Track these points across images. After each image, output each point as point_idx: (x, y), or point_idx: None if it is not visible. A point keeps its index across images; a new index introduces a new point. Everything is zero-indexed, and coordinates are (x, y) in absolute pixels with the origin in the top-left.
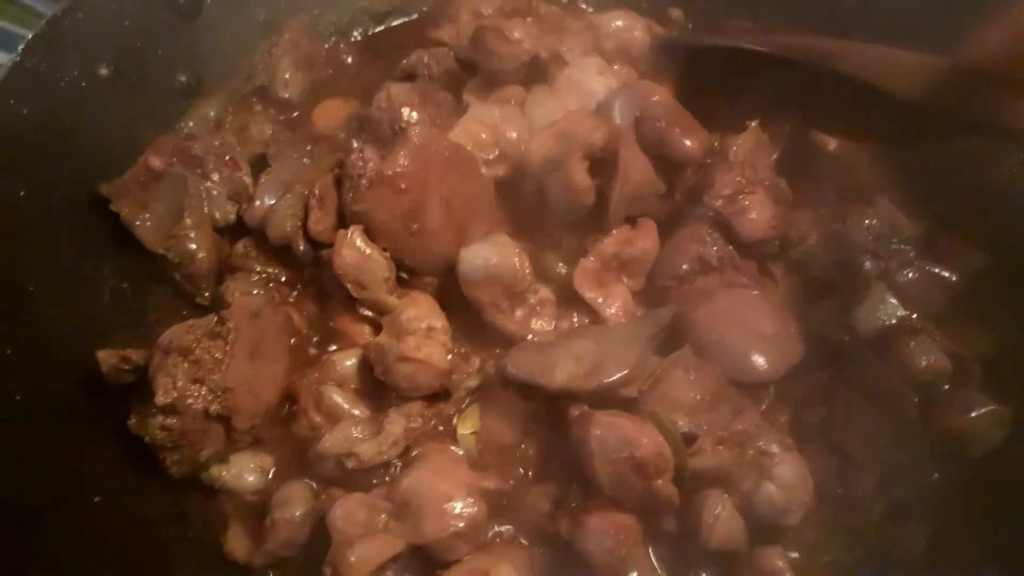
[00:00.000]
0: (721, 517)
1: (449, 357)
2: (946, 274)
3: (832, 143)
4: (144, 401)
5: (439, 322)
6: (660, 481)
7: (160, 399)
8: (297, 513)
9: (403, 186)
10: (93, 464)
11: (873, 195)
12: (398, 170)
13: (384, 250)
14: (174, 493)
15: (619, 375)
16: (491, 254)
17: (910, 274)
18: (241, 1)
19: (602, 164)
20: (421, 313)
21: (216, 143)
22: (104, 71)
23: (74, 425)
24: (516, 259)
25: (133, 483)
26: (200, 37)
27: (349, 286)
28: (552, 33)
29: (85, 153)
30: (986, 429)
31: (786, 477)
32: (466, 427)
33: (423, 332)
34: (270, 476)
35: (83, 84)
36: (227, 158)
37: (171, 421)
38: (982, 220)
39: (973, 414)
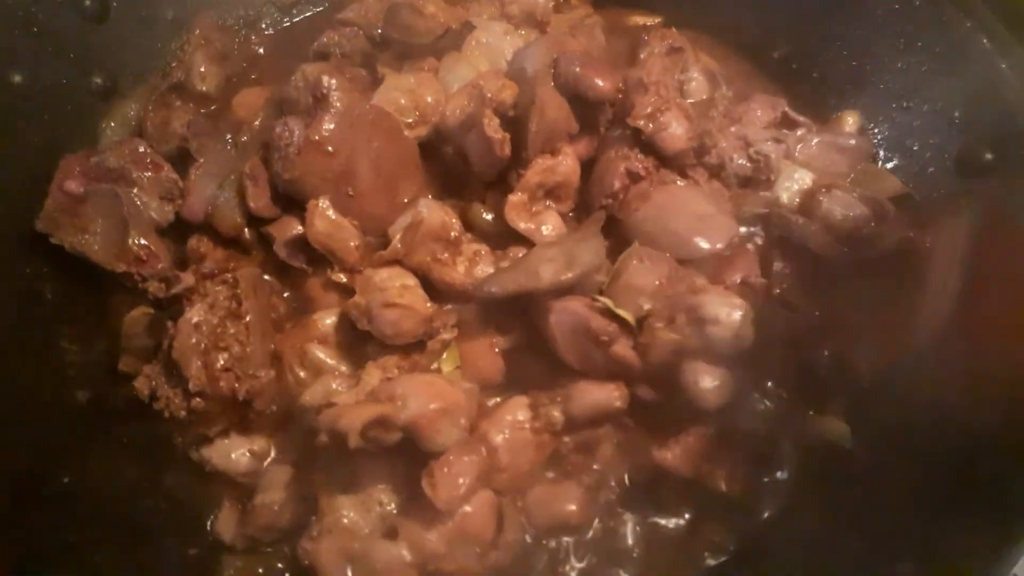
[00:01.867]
0: (700, 379)
1: (428, 305)
2: (840, 139)
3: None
4: (158, 371)
5: (411, 280)
6: (617, 346)
7: (195, 384)
8: (277, 498)
9: (331, 149)
10: (58, 444)
11: (750, 92)
12: (324, 134)
13: None
14: (147, 469)
15: (593, 260)
16: (416, 213)
17: (808, 147)
18: (148, 1)
19: (515, 122)
20: (394, 273)
21: (127, 150)
22: (18, 78)
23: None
24: (440, 210)
25: (102, 461)
26: (111, 39)
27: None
28: (460, 4)
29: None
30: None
31: (717, 311)
32: (449, 365)
33: (399, 288)
34: (268, 461)
35: None
36: (147, 161)
37: (199, 402)
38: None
39: (886, 242)
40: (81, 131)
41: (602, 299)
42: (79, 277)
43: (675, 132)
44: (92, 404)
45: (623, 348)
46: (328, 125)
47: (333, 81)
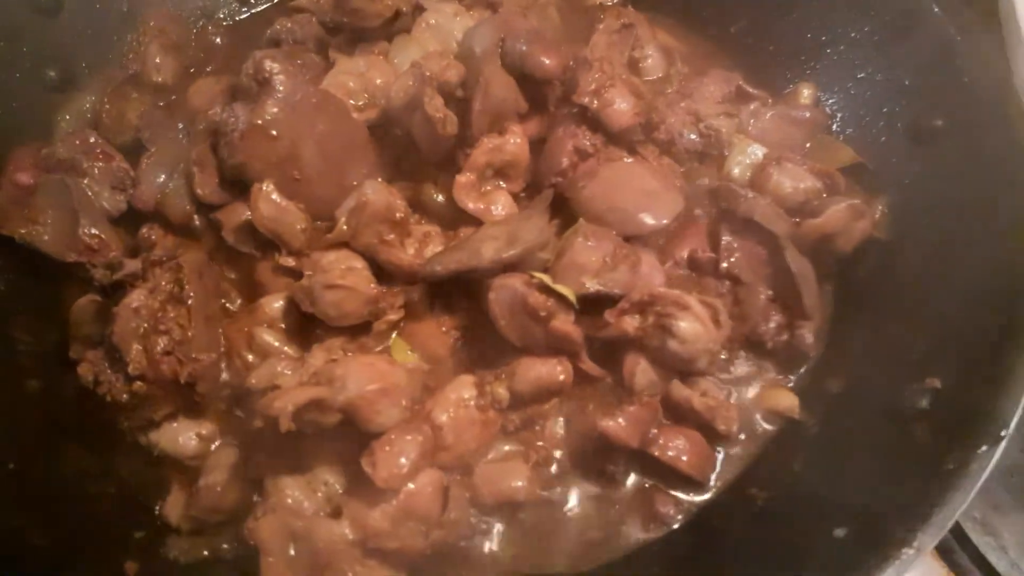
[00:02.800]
0: (637, 372)
1: (372, 286)
2: (794, 112)
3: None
4: (100, 357)
5: (359, 262)
6: (556, 322)
7: (134, 368)
8: (220, 480)
9: (274, 133)
10: (5, 432)
11: (706, 68)
12: (267, 118)
13: None
14: (96, 454)
15: (536, 238)
16: (361, 195)
17: (762, 120)
18: None
19: (464, 102)
20: (341, 256)
21: (77, 141)
22: None
23: None
24: (385, 191)
25: (50, 448)
26: (65, 32)
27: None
28: None
29: None
30: (846, 223)
31: (686, 333)
32: (401, 350)
33: (346, 269)
34: (216, 444)
35: None
36: (97, 151)
37: (140, 386)
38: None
39: (829, 211)
40: (36, 124)
41: (539, 275)
42: (31, 268)
43: (620, 108)
44: (43, 393)
45: (562, 323)
46: (271, 109)
47: (275, 65)
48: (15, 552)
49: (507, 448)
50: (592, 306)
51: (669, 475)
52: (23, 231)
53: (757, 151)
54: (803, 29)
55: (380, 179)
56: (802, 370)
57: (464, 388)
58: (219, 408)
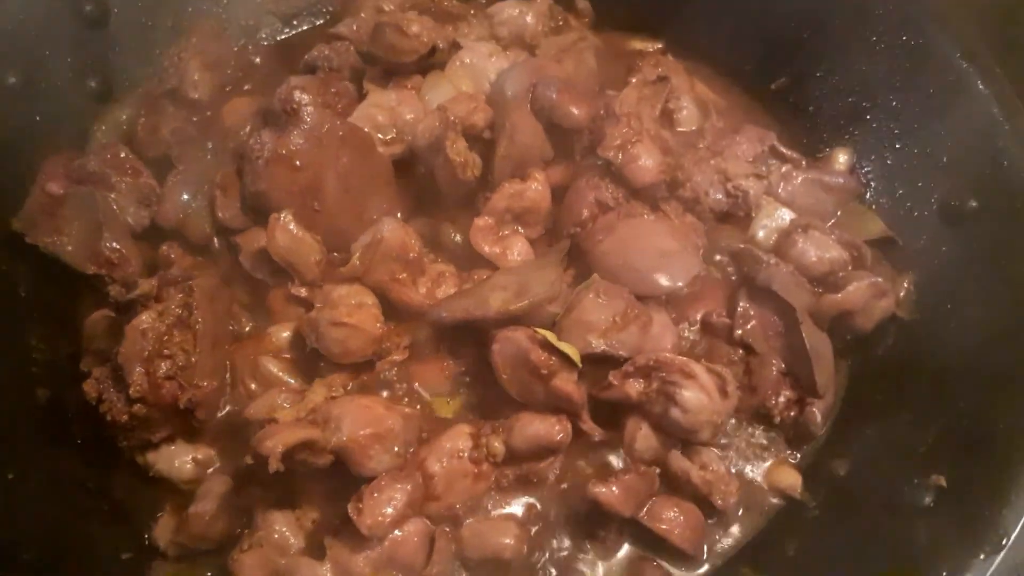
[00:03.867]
0: (638, 437)
1: (379, 325)
2: (827, 177)
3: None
4: (106, 375)
5: (370, 299)
6: (557, 380)
7: (135, 391)
8: (210, 508)
9: (298, 163)
10: (9, 440)
11: (741, 124)
12: (292, 148)
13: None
14: (95, 470)
15: (545, 291)
16: (377, 232)
17: (793, 184)
18: (148, 9)
19: (490, 145)
20: (353, 291)
21: (108, 155)
22: (12, 79)
23: None
24: (400, 230)
25: (51, 460)
26: (108, 44)
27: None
28: (450, 24)
29: None
30: (868, 301)
31: (690, 402)
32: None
33: (355, 305)
34: (212, 470)
35: None
36: (127, 166)
37: (139, 408)
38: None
39: (851, 288)
40: (72, 132)
41: (542, 332)
42: (53, 277)
43: (644, 164)
44: (51, 403)
45: (563, 382)
46: (296, 139)
47: (305, 96)
48: (2, 565)
49: (499, 503)
50: (598, 365)
51: (661, 546)
52: (48, 240)
53: (784, 215)
54: (845, 92)
55: (399, 215)
56: (810, 448)
57: (460, 438)
58: (216, 434)
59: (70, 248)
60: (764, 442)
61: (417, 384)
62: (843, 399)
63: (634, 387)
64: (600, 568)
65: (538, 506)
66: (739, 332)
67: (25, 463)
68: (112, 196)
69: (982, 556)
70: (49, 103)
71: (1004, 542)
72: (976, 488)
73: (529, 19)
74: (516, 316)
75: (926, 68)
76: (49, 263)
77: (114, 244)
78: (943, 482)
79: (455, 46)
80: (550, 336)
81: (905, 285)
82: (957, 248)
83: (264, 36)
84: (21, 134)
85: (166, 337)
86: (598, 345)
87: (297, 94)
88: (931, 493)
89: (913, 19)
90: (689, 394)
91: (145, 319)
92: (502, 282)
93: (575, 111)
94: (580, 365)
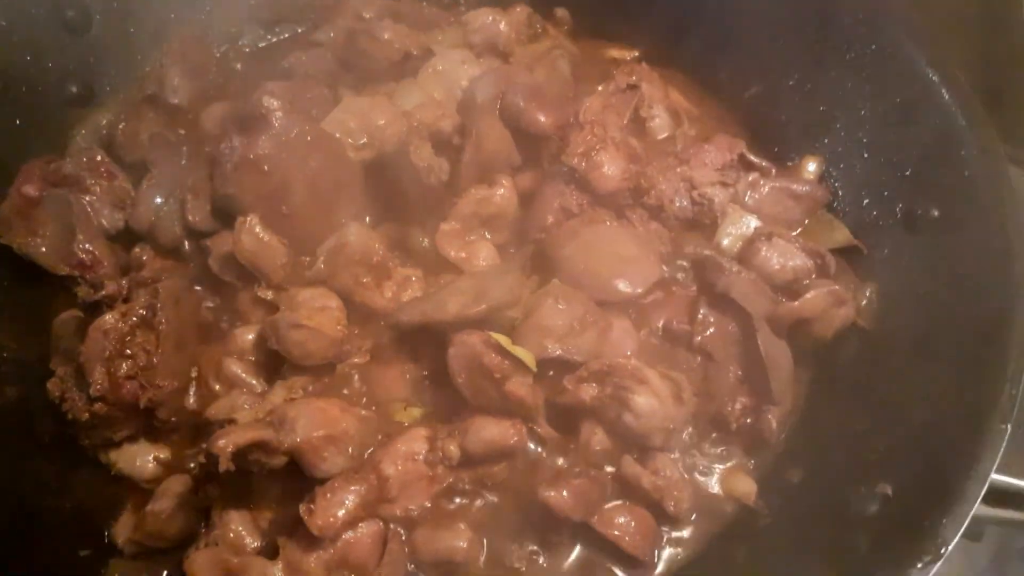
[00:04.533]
0: (592, 441)
1: (340, 328)
2: (795, 186)
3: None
4: (70, 374)
5: (334, 302)
6: (510, 384)
7: (96, 390)
8: (167, 507)
9: (266, 168)
10: None
11: (712, 132)
12: (260, 152)
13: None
14: (58, 468)
15: (503, 296)
16: (342, 236)
17: (760, 192)
18: (130, 15)
19: (459, 149)
20: (317, 294)
21: (84, 158)
22: None
23: None
24: (365, 234)
25: (15, 457)
26: (90, 50)
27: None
28: (424, 31)
29: None
30: (825, 309)
31: (642, 408)
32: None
33: (317, 308)
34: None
35: None
36: (102, 169)
37: (100, 407)
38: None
39: (808, 295)
40: (52, 136)
41: (496, 336)
42: (25, 277)
43: (607, 172)
44: (19, 401)
45: (516, 386)
46: (265, 144)
47: (275, 101)
48: None
49: (453, 506)
50: (557, 370)
51: (613, 552)
52: (22, 241)
53: (750, 223)
54: (816, 101)
55: (368, 219)
56: (766, 455)
57: (416, 441)
58: (178, 434)
59: (44, 249)
60: (720, 449)
61: (376, 388)
62: (802, 407)
63: (588, 392)
64: (551, 572)
65: (492, 510)
66: (698, 339)
67: None
68: (87, 199)
69: (920, 565)
70: (29, 107)
71: (943, 551)
72: (919, 497)
73: (503, 27)
74: (474, 320)
75: (893, 77)
76: (23, 264)
77: (87, 246)
78: (889, 491)
79: (428, 53)
80: (504, 340)
81: (867, 294)
82: (919, 257)
83: (246, 43)
84: (0, 137)
85: (128, 337)
86: (554, 349)
87: (266, 99)
88: (876, 501)
89: (881, 29)
90: (641, 399)
91: (108, 319)
92: (462, 287)
93: (542, 118)
94: (535, 369)
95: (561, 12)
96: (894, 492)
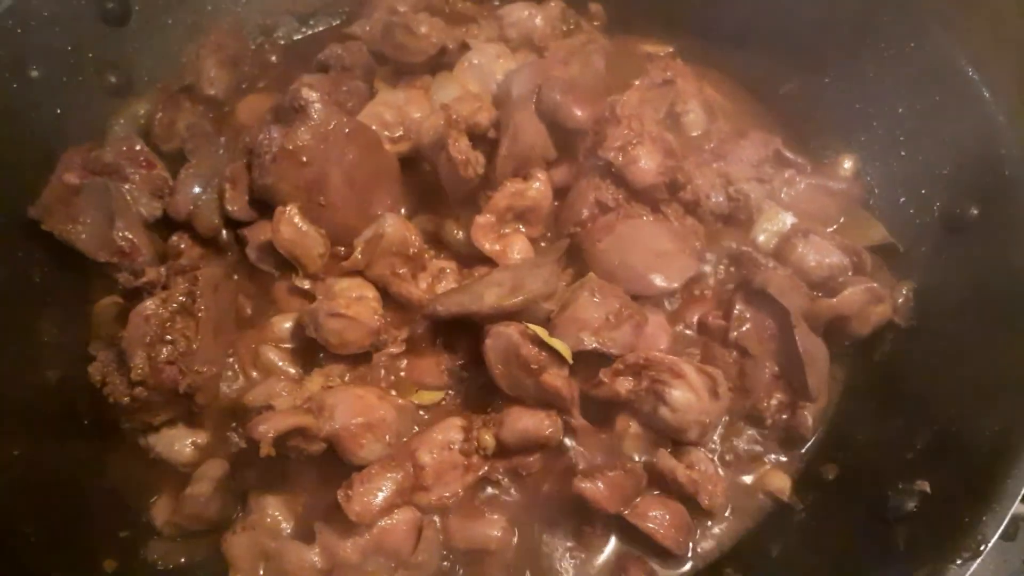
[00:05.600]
0: (627, 435)
1: (377, 318)
2: (831, 183)
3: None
4: (111, 358)
5: (370, 292)
6: (547, 376)
7: (136, 374)
8: (206, 490)
9: (304, 159)
10: (18, 418)
11: (748, 128)
12: (299, 143)
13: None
14: (97, 450)
15: (539, 288)
16: (379, 227)
17: (796, 188)
18: (168, 7)
19: (494, 142)
20: (354, 284)
21: (124, 147)
22: (35, 73)
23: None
24: (402, 226)
25: (56, 438)
26: (129, 41)
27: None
28: (460, 25)
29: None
30: (863, 306)
31: (678, 401)
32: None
33: (354, 298)
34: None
35: (14, 85)
36: (141, 159)
37: (140, 391)
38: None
39: (846, 292)
40: (91, 126)
41: (533, 327)
42: (67, 263)
43: (644, 166)
44: (59, 384)
45: (553, 377)
46: (303, 135)
47: (313, 93)
48: (3, 533)
49: (488, 495)
50: (592, 362)
51: (646, 544)
52: (62, 228)
53: (786, 219)
54: (852, 98)
55: (403, 211)
56: (801, 452)
57: (451, 431)
58: (216, 420)
59: (84, 236)
60: (755, 444)
61: (411, 377)
62: (837, 404)
63: (624, 385)
64: (585, 563)
65: (526, 500)
66: (734, 334)
67: (32, 441)
68: (126, 187)
69: (959, 562)
70: (70, 97)
71: (982, 548)
72: (959, 495)
73: (538, 21)
74: (510, 312)
75: (932, 75)
76: (63, 250)
77: (126, 233)
78: (927, 488)
79: (464, 47)
80: (541, 332)
81: (904, 292)
82: (957, 256)
83: (281, 35)
84: (42, 126)
85: (168, 323)
86: (590, 342)
87: (305, 91)
88: (915, 498)
89: (921, 26)
90: (678, 393)
91: (149, 305)
92: (498, 278)
93: (578, 113)
94: (571, 361)
95: (595, 7)
96: (933, 489)
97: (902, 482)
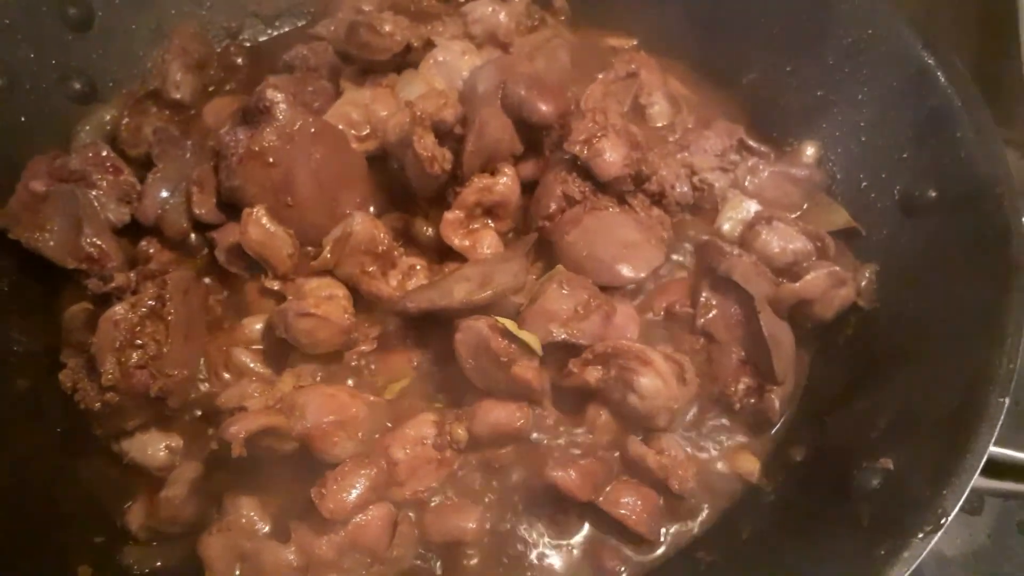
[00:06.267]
0: (598, 423)
1: (347, 316)
2: (793, 170)
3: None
4: (81, 365)
5: (340, 291)
6: (517, 368)
7: (107, 379)
8: (180, 493)
9: (271, 160)
10: None
11: (712, 119)
12: (265, 144)
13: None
14: (70, 457)
15: (508, 282)
16: (347, 226)
17: (760, 177)
18: (131, 12)
19: (461, 140)
20: (324, 283)
21: (90, 154)
22: None
23: None
24: (370, 224)
25: (27, 446)
26: (93, 47)
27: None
28: (425, 23)
29: None
30: (826, 290)
31: (646, 389)
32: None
33: (324, 297)
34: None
35: None
36: (107, 165)
37: (112, 396)
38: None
39: (809, 277)
40: (56, 133)
41: (502, 320)
42: (34, 272)
43: (609, 159)
44: (29, 392)
45: (523, 370)
46: (269, 136)
47: (278, 94)
48: None
49: (461, 488)
50: (562, 353)
51: (619, 530)
52: (30, 236)
53: (750, 207)
54: (813, 86)
55: (372, 209)
56: (769, 434)
57: (424, 426)
58: (188, 423)
59: (52, 244)
60: (724, 429)
61: (383, 374)
62: (804, 387)
63: (593, 374)
64: (559, 551)
65: (499, 491)
66: (701, 321)
67: (3, 450)
68: (93, 194)
69: (921, 535)
70: (34, 104)
71: (943, 521)
72: (920, 470)
73: (502, 17)
74: (480, 306)
75: (889, 61)
76: (31, 259)
77: (94, 240)
78: (890, 465)
79: (429, 44)
80: (510, 325)
81: (867, 275)
82: (917, 238)
83: (246, 37)
84: (6, 134)
85: (138, 328)
86: (559, 333)
87: (270, 92)
88: (878, 476)
89: (877, 13)
90: (646, 381)
91: (118, 310)
92: (468, 274)
93: (543, 107)
94: (540, 353)
95: (559, 2)
96: (895, 466)
97: (866, 461)
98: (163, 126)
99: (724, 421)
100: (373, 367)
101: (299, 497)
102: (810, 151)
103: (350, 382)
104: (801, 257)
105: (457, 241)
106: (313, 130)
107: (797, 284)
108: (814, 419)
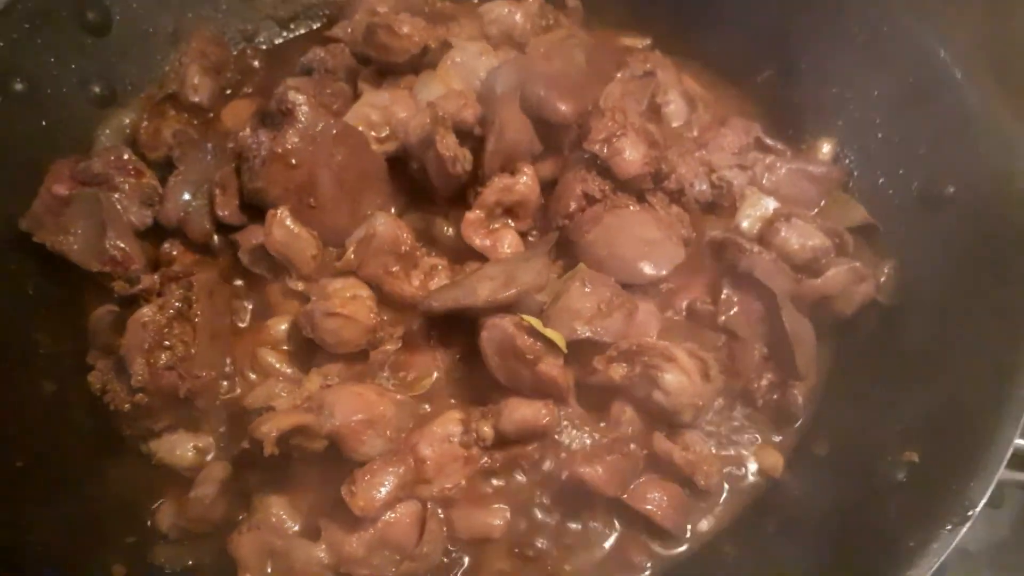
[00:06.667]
0: (623, 420)
1: (372, 315)
2: (811, 167)
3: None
4: (109, 367)
5: (364, 291)
6: (543, 366)
7: (137, 381)
8: (210, 492)
9: (294, 161)
10: (18, 429)
11: (727, 117)
12: (288, 146)
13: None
14: (100, 459)
15: (532, 280)
16: (370, 226)
17: (777, 174)
18: (149, 16)
19: (480, 141)
20: (348, 284)
21: (112, 157)
22: (19, 86)
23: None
24: (393, 224)
25: (57, 448)
26: (112, 51)
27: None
28: (442, 24)
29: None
30: (847, 286)
31: (670, 385)
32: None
33: (349, 297)
34: (211, 456)
35: None
36: (130, 168)
37: (141, 397)
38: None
39: (830, 273)
40: (77, 137)
41: (528, 319)
42: (58, 275)
43: (629, 157)
44: (57, 395)
45: (548, 367)
46: (292, 138)
47: (300, 97)
48: (12, 545)
49: (489, 485)
50: (586, 351)
51: (645, 526)
52: (54, 239)
53: (769, 205)
54: (828, 83)
55: (393, 210)
56: (792, 429)
57: (450, 424)
58: (217, 423)
59: (76, 247)
60: (747, 424)
61: (409, 373)
62: (825, 382)
63: (618, 371)
64: (586, 546)
65: (526, 487)
66: (722, 318)
67: (32, 453)
68: (116, 196)
69: (948, 527)
70: (54, 108)
71: (970, 514)
72: (946, 463)
73: (518, 18)
74: (504, 304)
75: (905, 57)
76: (56, 262)
77: (118, 242)
78: (916, 458)
79: (446, 45)
80: (536, 323)
81: (886, 271)
82: (935, 233)
83: (262, 40)
84: (28, 138)
85: (166, 329)
86: (583, 331)
87: (292, 94)
88: (904, 469)
89: (892, 10)
90: (671, 377)
91: (146, 312)
92: (491, 272)
93: (562, 107)
94: (565, 350)
95: (573, 2)
96: (921, 459)
97: (891, 454)
98: (182, 129)
99: (747, 417)
100: (398, 366)
101: (327, 495)
102: (826, 148)
103: (377, 381)
104: (820, 253)
105: (478, 241)
106: (335, 132)
107: (818, 280)
108: (837, 414)
